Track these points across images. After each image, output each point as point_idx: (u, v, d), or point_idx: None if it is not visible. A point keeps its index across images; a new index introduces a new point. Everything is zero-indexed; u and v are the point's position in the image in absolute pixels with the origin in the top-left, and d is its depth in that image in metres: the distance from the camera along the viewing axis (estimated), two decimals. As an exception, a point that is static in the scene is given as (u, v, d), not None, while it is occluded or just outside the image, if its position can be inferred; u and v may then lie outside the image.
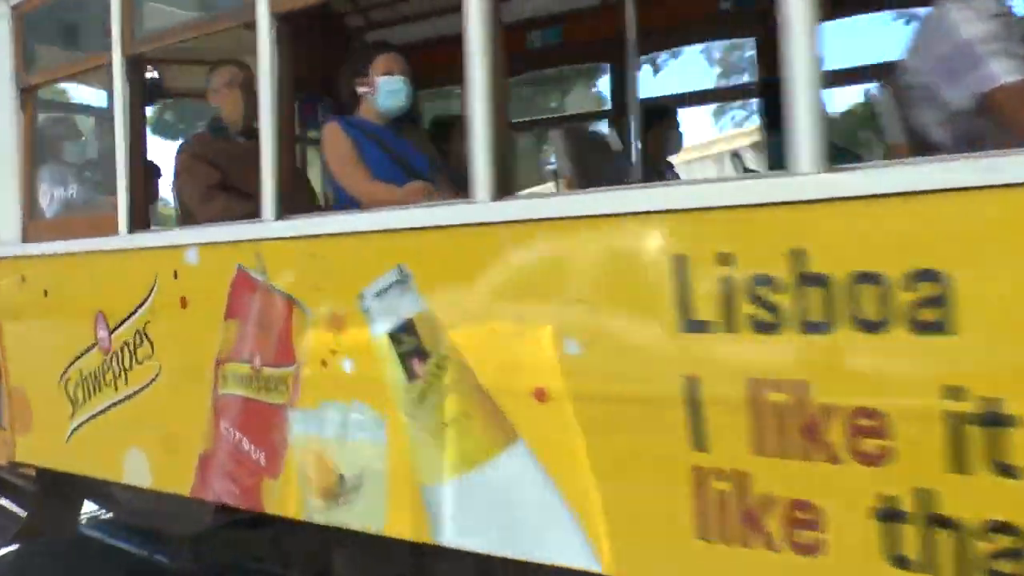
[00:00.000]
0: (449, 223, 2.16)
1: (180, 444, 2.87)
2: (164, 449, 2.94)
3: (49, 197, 3.42)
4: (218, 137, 3.11)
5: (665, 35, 4.16)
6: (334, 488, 2.45)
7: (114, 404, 3.10)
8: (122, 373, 3.05)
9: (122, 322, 3.02)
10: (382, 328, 2.30)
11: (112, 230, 3.02)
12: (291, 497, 2.55)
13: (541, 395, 2.03)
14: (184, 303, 2.80)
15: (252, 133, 3.11)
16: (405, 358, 2.26)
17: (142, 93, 2.99)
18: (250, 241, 2.58)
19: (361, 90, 2.74)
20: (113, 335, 3.07)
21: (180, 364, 2.85)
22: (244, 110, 3.07)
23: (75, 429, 3.29)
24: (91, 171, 3.71)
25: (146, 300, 2.92)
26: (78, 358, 3.24)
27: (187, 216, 3.07)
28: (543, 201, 2.14)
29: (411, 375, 2.25)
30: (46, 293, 3.36)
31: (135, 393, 3.01)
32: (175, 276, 2.81)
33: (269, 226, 2.53)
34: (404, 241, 2.25)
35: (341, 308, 2.37)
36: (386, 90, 2.69)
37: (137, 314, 2.96)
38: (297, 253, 2.48)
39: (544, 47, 4.30)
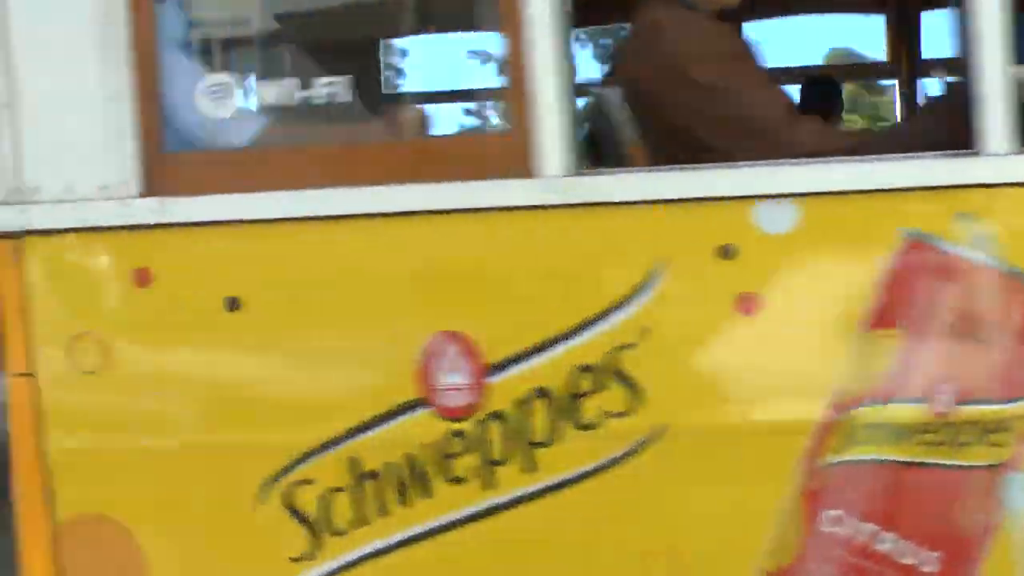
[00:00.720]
0: None
1: (710, 563, 1.57)
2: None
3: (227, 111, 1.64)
4: (696, 14, 1.77)
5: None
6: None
7: (477, 515, 1.57)
8: (520, 453, 1.56)
9: (535, 351, 1.56)
10: None
11: (506, 166, 1.56)
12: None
13: None
14: (743, 306, 1.56)
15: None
16: None
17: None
18: (947, 189, 1.55)
19: None
20: (497, 379, 1.56)
21: (719, 418, 1.57)
22: None
23: (315, 585, 1.58)
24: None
25: (624, 305, 1.56)
26: (343, 439, 1.57)
27: (695, 147, 1.68)
28: None
29: None
30: (234, 304, 1.57)
31: (564, 484, 1.56)
32: (724, 255, 1.55)
33: (1000, 163, 1.54)
34: None
35: None
36: None
37: (593, 332, 1.56)
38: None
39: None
